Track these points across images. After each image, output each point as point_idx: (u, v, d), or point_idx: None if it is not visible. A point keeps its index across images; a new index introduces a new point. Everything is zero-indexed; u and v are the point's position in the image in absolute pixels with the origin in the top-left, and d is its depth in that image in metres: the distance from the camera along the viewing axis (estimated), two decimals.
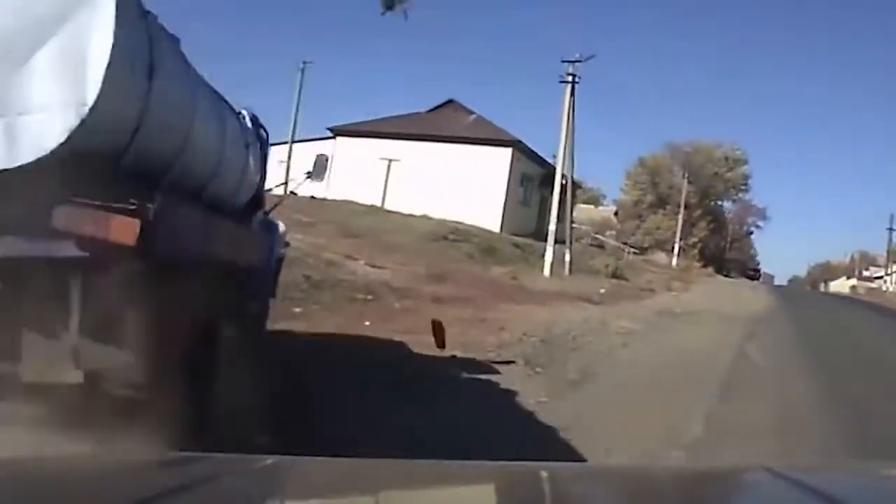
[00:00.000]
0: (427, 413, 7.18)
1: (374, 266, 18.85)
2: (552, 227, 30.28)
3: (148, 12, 3.87)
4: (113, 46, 3.37)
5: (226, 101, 5.60)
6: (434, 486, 1.97)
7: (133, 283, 3.52)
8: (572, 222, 33.87)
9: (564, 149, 32.17)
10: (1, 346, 3.49)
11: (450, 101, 42.68)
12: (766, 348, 13.97)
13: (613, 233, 59.99)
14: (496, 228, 35.38)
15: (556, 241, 30.15)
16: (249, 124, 6.37)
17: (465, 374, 10.00)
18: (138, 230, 3.41)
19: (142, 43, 3.72)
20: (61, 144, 3.36)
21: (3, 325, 3.46)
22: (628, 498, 2.02)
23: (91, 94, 3.36)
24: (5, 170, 3.37)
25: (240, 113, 6.17)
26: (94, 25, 3.39)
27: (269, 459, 1.96)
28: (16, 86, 3.40)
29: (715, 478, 2.33)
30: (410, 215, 31.60)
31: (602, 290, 23.10)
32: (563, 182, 32.00)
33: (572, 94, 32.44)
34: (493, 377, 10.32)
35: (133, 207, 3.45)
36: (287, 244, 8.79)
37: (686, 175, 64.46)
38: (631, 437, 7.39)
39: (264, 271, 6.63)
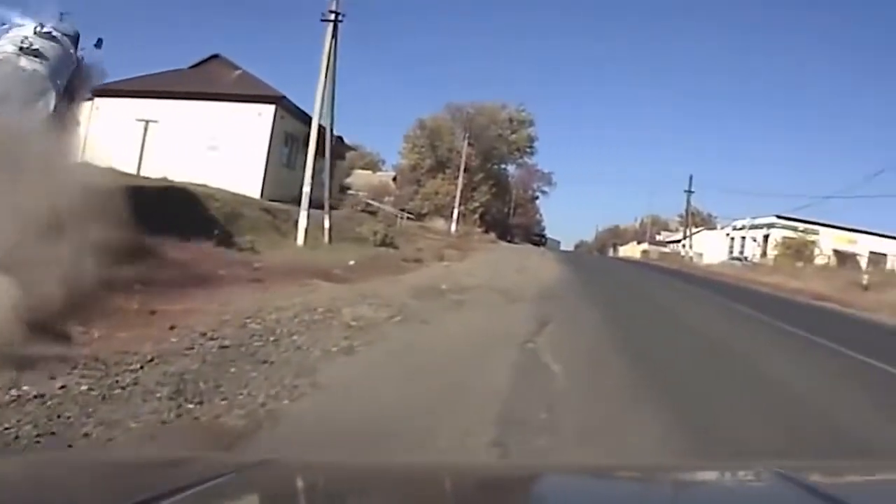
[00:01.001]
0: None
1: None
2: (307, 188, 25.45)
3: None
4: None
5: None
6: (434, 486, 1.95)
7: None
8: (332, 181, 29.08)
9: (323, 96, 27.27)
10: None
11: (214, 56, 37.69)
12: (565, 349, 9.51)
13: (391, 199, 56.17)
14: (257, 193, 30.68)
15: (318, 206, 25.85)
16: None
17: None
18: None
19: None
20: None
21: None
22: (629, 498, 1.99)
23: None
24: None
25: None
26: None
27: (269, 459, 2.02)
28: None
29: (716, 477, 2.27)
30: (146, 179, 25.69)
31: (351, 263, 18.27)
32: (328, 137, 27.32)
33: (335, 34, 27.59)
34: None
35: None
36: None
37: (467, 137, 61.64)
38: None
39: None
